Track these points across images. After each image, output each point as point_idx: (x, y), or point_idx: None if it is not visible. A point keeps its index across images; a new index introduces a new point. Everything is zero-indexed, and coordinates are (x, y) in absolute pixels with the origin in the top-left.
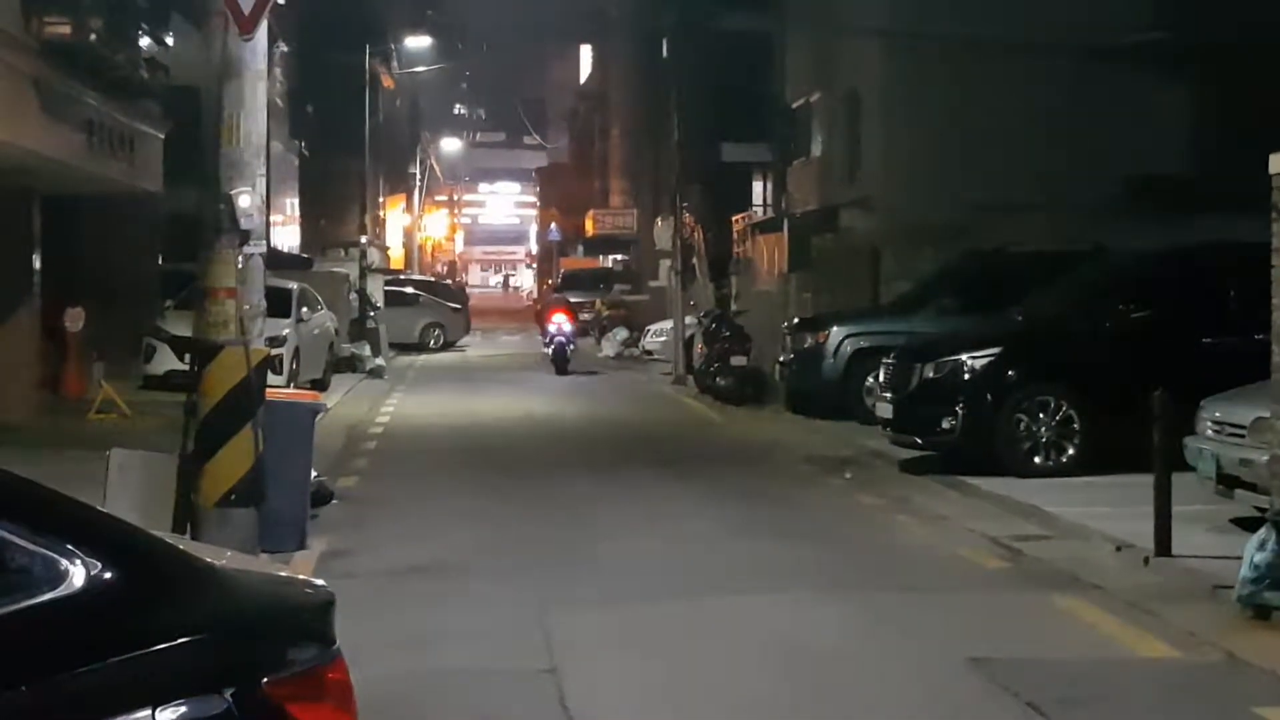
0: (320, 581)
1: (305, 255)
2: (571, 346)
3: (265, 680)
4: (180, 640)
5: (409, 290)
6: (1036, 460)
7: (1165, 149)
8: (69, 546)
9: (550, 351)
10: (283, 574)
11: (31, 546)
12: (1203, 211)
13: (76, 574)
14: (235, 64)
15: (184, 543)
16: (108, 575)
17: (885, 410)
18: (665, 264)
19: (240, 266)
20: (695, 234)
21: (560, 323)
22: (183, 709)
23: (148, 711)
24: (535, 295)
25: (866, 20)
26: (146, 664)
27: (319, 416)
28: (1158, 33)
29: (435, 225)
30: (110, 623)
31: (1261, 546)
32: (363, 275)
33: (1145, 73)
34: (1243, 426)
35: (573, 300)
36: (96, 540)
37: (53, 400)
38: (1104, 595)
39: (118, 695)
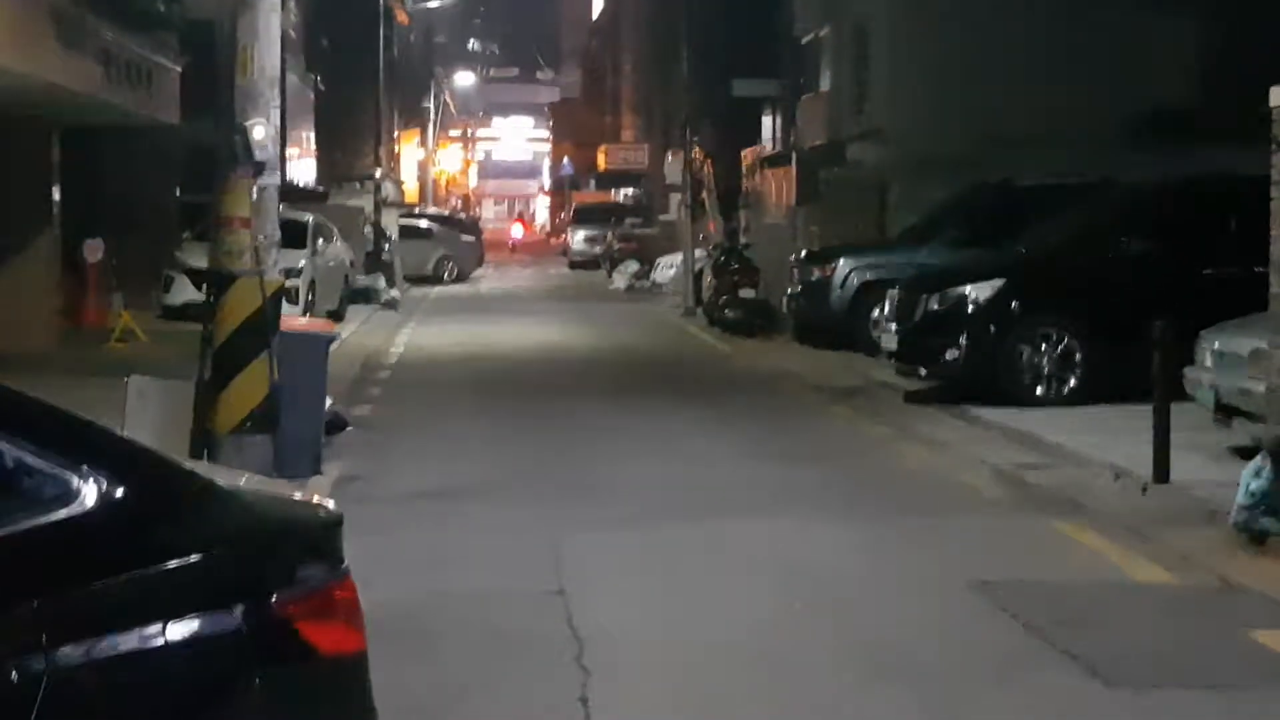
0: (329, 501)
1: (321, 188)
2: (521, 240)
3: (274, 597)
4: (190, 557)
5: (423, 224)
6: (1038, 390)
7: (1170, 82)
8: (80, 464)
9: (511, 242)
10: (293, 495)
11: (44, 464)
12: (1205, 144)
13: (88, 492)
14: None
15: (201, 466)
16: (118, 493)
17: (890, 341)
18: (676, 198)
19: (254, 198)
20: (705, 168)
21: (518, 229)
22: (193, 624)
23: (159, 626)
24: (549, 229)
25: None
26: (157, 580)
27: (332, 345)
28: None
29: (449, 160)
30: (122, 539)
31: (1258, 474)
32: (377, 209)
33: (1151, 5)
34: (1241, 357)
35: (585, 234)
36: (107, 458)
37: (73, 330)
38: (1103, 521)
39: (129, 610)
